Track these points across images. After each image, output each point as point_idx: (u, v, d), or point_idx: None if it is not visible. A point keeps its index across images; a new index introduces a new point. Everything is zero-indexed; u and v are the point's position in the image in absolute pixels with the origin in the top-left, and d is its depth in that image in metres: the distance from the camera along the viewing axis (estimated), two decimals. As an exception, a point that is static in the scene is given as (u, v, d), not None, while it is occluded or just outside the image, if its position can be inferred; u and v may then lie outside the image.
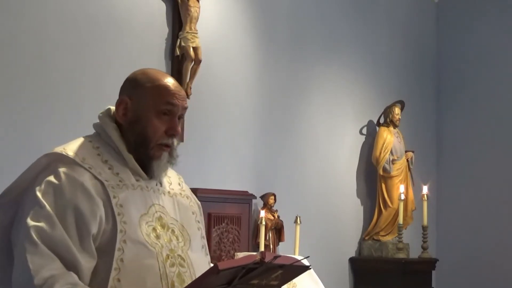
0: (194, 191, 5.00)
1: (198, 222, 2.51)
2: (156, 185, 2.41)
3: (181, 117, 2.40)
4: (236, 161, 5.79)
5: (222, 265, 2.07)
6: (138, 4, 5.12)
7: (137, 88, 2.38)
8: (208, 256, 2.52)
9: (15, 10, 4.41)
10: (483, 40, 7.70)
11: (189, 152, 5.39)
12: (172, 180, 2.50)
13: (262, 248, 5.36)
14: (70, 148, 2.33)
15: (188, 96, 5.33)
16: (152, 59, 5.16)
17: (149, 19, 5.19)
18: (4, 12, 4.36)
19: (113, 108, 2.42)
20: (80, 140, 2.39)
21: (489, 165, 7.55)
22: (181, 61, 5.29)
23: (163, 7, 5.30)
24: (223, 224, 5.22)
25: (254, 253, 2.52)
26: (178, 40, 5.25)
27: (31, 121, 4.44)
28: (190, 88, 5.31)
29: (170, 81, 2.39)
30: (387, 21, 7.31)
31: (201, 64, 5.31)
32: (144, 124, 2.35)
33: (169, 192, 2.45)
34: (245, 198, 5.48)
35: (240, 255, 5.10)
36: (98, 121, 2.43)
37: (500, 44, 7.61)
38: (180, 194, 2.50)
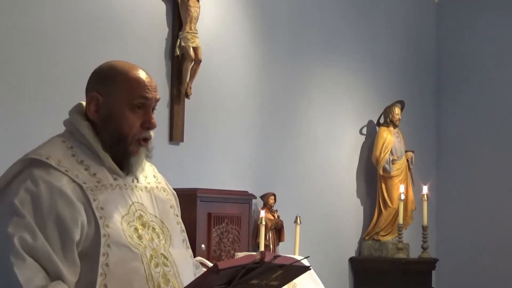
0: (194, 191, 5.04)
1: (177, 216, 2.47)
2: (133, 181, 2.36)
3: (154, 109, 2.35)
4: (236, 161, 5.79)
5: (222, 265, 2.06)
6: (138, 4, 5.11)
7: (107, 83, 2.32)
8: (190, 250, 2.47)
9: (15, 10, 4.41)
10: (483, 40, 7.70)
11: (189, 152, 5.39)
12: (146, 173, 2.44)
13: (262, 248, 5.36)
14: (45, 152, 2.27)
15: (188, 96, 5.33)
16: (152, 59, 5.16)
17: (149, 19, 5.19)
18: (4, 12, 4.36)
19: (84, 104, 2.36)
20: (52, 141, 2.33)
21: (489, 165, 7.55)
22: (181, 61, 5.29)
23: (163, 7, 5.29)
24: (223, 224, 5.22)
25: (254, 253, 2.51)
26: (178, 40, 5.25)
27: (31, 121, 4.44)
28: (190, 88, 5.31)
29: (140, 73, 2.34)
30: (387, 21, 7.31)
31: (201, 64, 5.31)
32: (118, 120, 2.29)
33: (145, 187, 2.40)
34: (245, 198, 5.47)
35: (240, 255, 5.09)
36: (68, 117, 2.37)
37: (500, 44, 7.61)
38: (157, 187, 2.45)
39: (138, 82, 2.31)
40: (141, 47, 5.09)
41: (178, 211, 2.50)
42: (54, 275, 2.11)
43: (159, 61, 5.22)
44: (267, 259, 2.13)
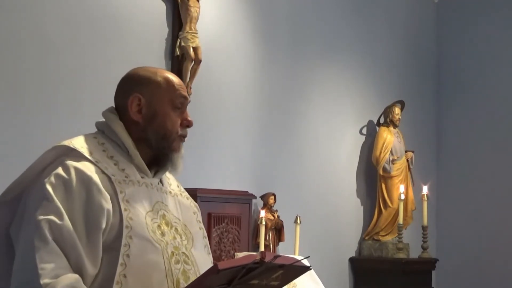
0: (194, 191, 5.04)
1: (199, 222, 2.52)
2: (158, 183, 2.42)
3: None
4: (236, 161, 5.79)
5: (222, 265, 2.06)
6: (138, 4, 5.11)
7: (147, 84, 2.40)
8: (210, 256, 2.52)
9: (14, 9, 4.41)
10: (483, 40, 7.70)
11: (189, 152, 5.36)
12: (171, 181, 2.52)
13: (262, 248, 5.36)
14: (77, 142, 2.33)
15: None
16: (152, 59, 5.16)
17: (149, 19, 5.19)
18: (3, 12, 4.36)
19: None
20: (85, 136, 2.38)
21: (489, 165, 7.55)
22: (181, 61, 5.29)
23: (163, 7, 5.30)
24: (223, 224, 5.22)
25: (254, 253, 2.52)
26: (178, 40, 5.25)
27: (31, 121, 4.44)
28: (190, 88, 5.31)
29: (174, 76, 2.47)
30: (387, 21, 7.32)
31: (201, 64, 5.31)
32: (163, 119, 2.39)
33: (170, 192, 2.46)
34: (245, 198, 5.48)
35: (240, 255, 5.09)
36: (101, 119, 2.43)
37: (500, 44, 7.61)
38: (181, 194, 2.52)
39: (177, 82, 2.45)
40: (141, 47, 5.09)
41: (200, 218, 2.55)
42: (74, 263, 2.13)
43: (159, 61, 5.22)
44: (267, 259, 2.13)
